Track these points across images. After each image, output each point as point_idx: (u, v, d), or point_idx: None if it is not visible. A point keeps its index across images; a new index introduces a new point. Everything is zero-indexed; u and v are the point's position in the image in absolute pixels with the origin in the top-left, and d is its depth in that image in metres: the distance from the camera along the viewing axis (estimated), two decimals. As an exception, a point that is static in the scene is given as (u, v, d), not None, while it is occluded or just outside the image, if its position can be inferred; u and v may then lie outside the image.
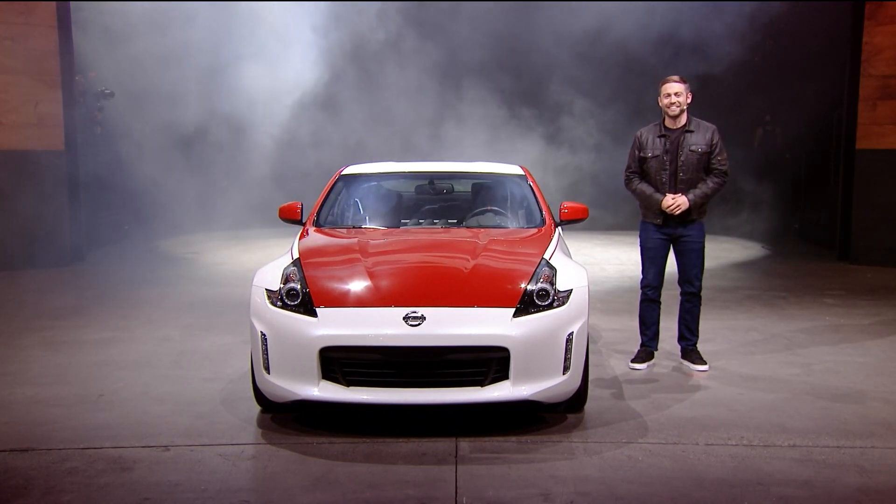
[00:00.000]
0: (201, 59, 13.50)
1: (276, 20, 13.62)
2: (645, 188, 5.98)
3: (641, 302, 6.19)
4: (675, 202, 5.83)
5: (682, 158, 5.89)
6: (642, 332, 6.20)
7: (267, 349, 4.63)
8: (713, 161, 5.91)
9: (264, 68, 13.67)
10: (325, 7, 13.93)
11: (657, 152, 5.94)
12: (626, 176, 6.10)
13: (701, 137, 5.91)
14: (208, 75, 13.95)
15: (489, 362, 4.51)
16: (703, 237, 6.04)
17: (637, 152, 6.02)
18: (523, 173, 6.52)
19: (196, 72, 13.83)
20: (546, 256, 5.05)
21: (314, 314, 4.60)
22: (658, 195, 5.91)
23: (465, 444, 4.47)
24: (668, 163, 5.91)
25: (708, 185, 5.89)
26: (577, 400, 4.91)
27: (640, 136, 6.06)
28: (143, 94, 13.78)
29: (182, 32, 12.98)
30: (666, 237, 6.01)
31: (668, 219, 5.94)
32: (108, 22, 12.39)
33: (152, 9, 12.85)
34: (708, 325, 7.10)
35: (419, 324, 4.49)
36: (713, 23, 13.52)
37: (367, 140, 15.88)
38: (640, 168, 6.03)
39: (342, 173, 6.51)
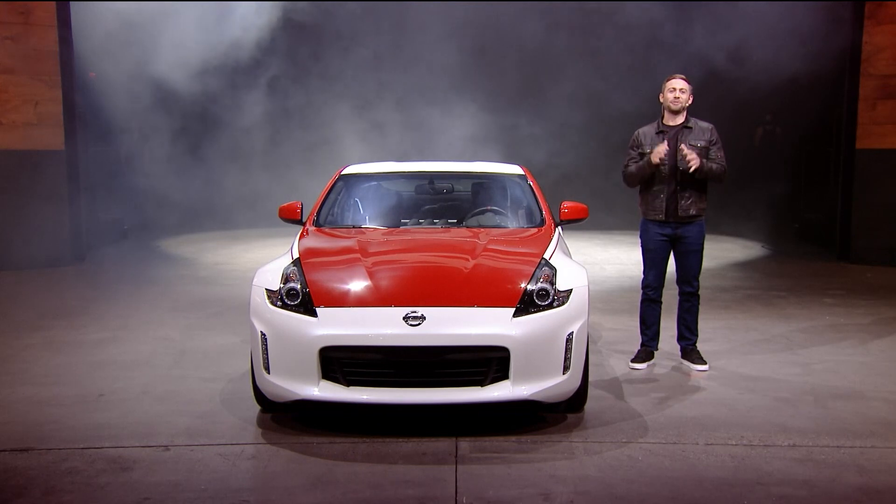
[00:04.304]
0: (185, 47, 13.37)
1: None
2: (638, 162, 5.95)
3: (642, 302, 6.19)
4: (689, 154, 5.75)
5: (682, 152, 5.89)
6: (642, 332, 6.20)
7: (267, 349, 4.63)
8: (712, 156, 5.92)
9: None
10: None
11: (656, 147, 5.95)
12: (624, 170, 6.09)
13: (699, 135, 5.93)
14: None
15: (489, 362, 4.51)
16: (703, 237, 6.05)
17: (635, 150, 6.03)
18: (523, 173, 6.52)
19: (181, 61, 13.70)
20: (546, 256, 5.05)
21: (314, 314, 4.60)
22: (647, 156, 5.86)
23: (465, 444, 4.48)
24: (667, 157, 5.91)
25: (713, 164, 5.88)
26: (577, 400, 4.91)
27: (638, 134, 6.07)
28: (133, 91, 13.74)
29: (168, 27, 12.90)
30: (667, 238, 6.01)
31: (669, 211, 5.93)
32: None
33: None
34: (708, 324, 7.11)
35: (419, 324, 4.49)
36: (713, 22, 13.52)
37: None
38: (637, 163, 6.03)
39: (342, 173, 6.51)
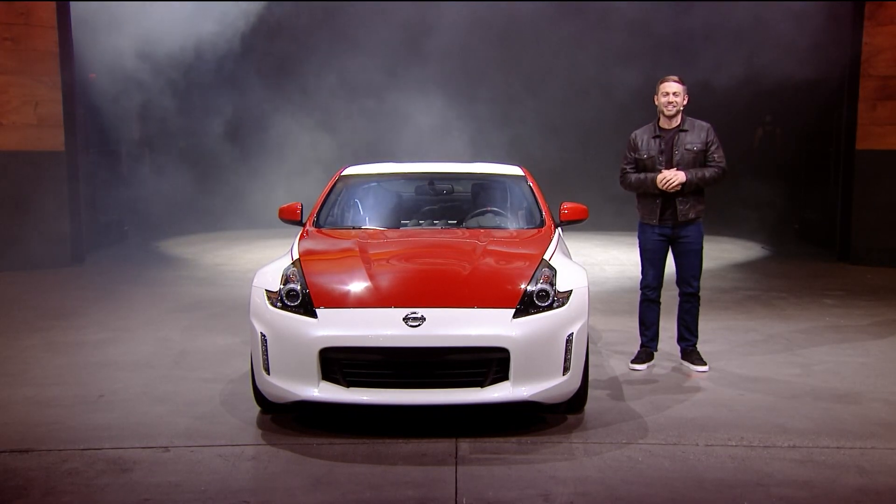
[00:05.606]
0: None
1: None
2: (639, 175, 5.96)
3: (641, 303, 6.19)
4: (673, 178, 5.77)
5: (677, 158, 5.89)
6: (642, 333, 6.20)
7: (267, 350, 4.63)
8: (710, 158, 5.91)
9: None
10: None
11: (652, 153, 5.94)
12: (621, 175, 6.09)
13: (696, 136, 5.92)
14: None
15: (489, 363, 4.51)
16: (702, 238, 6.04)
17: (632, 154, 6.02)
18: (523, 174, 6.52)
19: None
20: (546, 257, 5.05)
21: (314, 315, 4.60)
22: (653, 174, 5.89)
23: (465, 445, 4.48)
24: (663, 163, 5.91)
25: (706, 171, 5.88)
26: (577, 400, 4.92)
27: (634, 137, 6.06)
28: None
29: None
30: (664, 238, 6.01)
31: (665, 217, 5.93)
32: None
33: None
34: (708, 325, 7.10)
35: (419, 324, 4.50)
36: (713, 23, 13.51)
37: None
38: (635, 169, 6.03)
39: (342, 174, 6.51)
